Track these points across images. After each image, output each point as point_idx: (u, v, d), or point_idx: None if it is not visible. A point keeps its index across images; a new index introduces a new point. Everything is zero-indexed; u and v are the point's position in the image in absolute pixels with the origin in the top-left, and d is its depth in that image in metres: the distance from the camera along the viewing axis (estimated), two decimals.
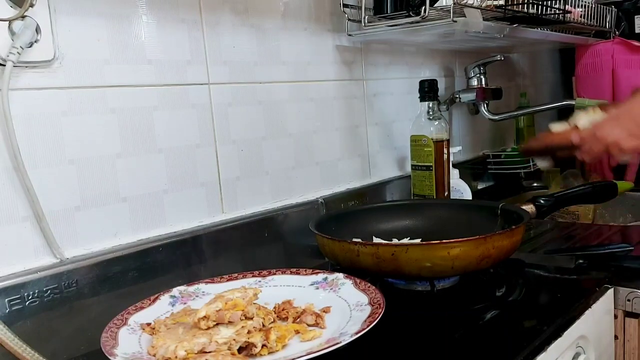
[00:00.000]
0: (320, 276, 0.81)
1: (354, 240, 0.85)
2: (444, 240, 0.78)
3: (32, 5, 0.71)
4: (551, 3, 1.31)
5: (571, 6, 1.40)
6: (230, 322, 0.63)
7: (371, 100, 1.29)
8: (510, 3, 1.20)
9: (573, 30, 1.55)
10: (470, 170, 1.60)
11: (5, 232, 0.72)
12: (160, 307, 0.74)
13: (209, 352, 0.59)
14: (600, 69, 1.67)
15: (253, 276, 0.82)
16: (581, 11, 1.45)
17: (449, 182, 1.19)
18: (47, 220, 0.75)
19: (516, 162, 1.61)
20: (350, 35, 1.18)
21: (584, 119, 0.89)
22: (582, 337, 0.78)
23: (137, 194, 0.86)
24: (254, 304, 0.67)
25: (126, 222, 0.85)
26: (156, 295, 0.76)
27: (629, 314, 0.86)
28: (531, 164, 1.58)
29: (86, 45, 0.79)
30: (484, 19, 1.13)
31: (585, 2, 1.47)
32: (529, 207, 0.97)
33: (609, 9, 1.60)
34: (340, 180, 1.21)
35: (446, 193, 1.20)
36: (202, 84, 0.94)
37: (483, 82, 1.50)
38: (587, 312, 0.78)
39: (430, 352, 0.67)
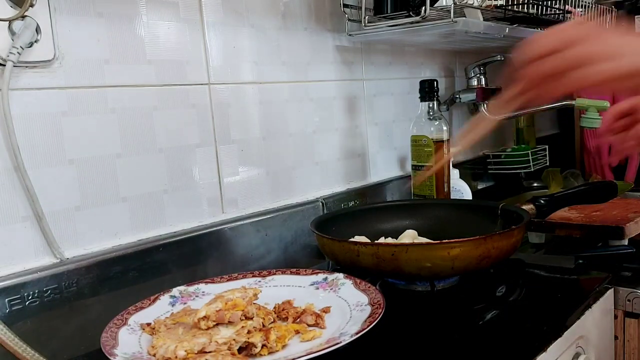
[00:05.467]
0: (320, 276, 0.81)
1: (354, 240, 0.85)
2: (444, 241, 0.78)
3: (32, 5, 0.71)
4: (551, 3, 1.31)
5: (571, 6, 1.39)
6: (230, 322, 0.63)
7: (371, 100, 1.29)
8: (510, 3, 1.20)
9: None
10: (470, 170, 1.59)
11: (5, 232, 0.72)
12: (160, 307, 0.74)
13: (209, 352, 0.59)
14: None
15: (253, 276, 0.82)
16: (581, 11, 1.45)
17: (449, 182, 1.19)
18: (47, 220, 0.75)
19: (516, 162, 1.61)
20: (350, 35, 1.18)
21: None
22: (582, 337, 0.78)
23: (137, 194, 0.86)
24: (254, 304, 0.67)
25: (126, 222, 0.85)
26: (156, 295, 0.76)
27: (629, 314, 0.86)
28: (531, 164, 1.58)
29: (86, 45, 0.79)
30: (484, 19, 1.13)
31: (585, 2, 1.46)
32: (529, 207, 0.97)
33: (609, 9, 1.59)
34: (340, 180, 1.21)
35: (446, 193, 1.19)
36: (202, 84, 0.94)
37: (483, 82, 1.50)
38: (587, 312, 0.78)
39: (430, 352, 0.67)
